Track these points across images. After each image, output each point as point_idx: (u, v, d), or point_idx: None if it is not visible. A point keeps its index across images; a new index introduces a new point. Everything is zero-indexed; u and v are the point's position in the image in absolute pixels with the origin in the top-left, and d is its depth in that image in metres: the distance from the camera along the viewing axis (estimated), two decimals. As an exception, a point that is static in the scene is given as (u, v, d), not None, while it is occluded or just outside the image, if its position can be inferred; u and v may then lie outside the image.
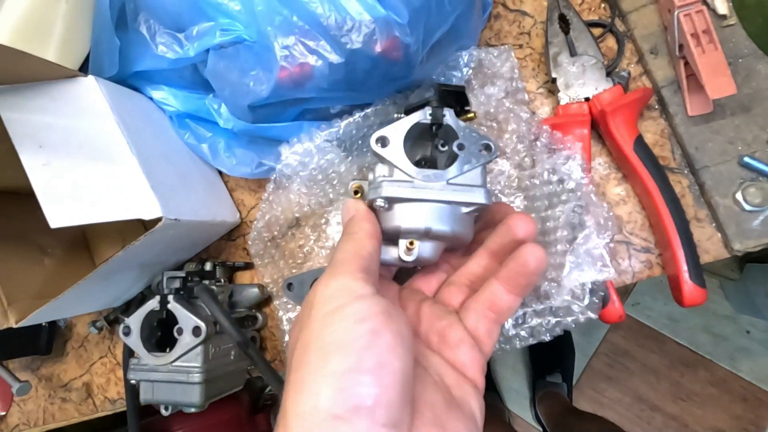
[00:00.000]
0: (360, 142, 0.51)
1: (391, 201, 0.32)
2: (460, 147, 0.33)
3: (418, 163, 0.34)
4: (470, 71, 0.46)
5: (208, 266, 0.53)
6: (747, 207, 0.39)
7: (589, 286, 0.37)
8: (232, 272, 0.58)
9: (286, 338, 0.53)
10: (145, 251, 0.46)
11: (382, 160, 0.34)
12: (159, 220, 0.40)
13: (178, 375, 0.45)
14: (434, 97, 0.36)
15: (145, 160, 0.42)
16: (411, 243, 0.32)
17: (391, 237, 0.33)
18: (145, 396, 0.46)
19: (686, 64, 0.40)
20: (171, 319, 0.45)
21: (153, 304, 0.46)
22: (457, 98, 0.38)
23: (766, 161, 0.39)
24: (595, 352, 1.28)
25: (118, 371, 0.63)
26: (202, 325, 0.44)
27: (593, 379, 1.27)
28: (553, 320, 0.37)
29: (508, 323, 0.40)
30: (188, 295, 0.48)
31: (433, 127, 0.35)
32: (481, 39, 0.50)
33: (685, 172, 0.43)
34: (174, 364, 0.45)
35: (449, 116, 0.35)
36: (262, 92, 0.42)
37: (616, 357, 1.27)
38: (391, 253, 0.34)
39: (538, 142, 0.44)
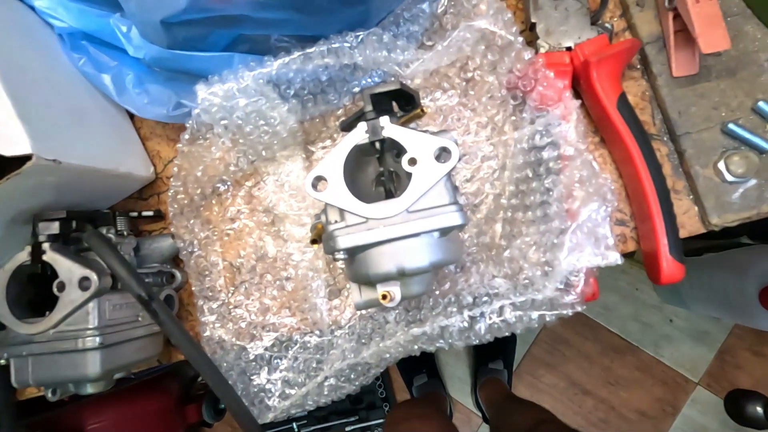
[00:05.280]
0: (299, 86, 0.42)
1: (352, 251, 0.28)
2: (412, 162, 0.28)
3: (377, 184, 0.30)
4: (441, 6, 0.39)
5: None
6: (729, 177, 0.36)
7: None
8: (137, 224, 0.47)
9: (206, 332, 0.44)
10: (10, 204, 0.35)
11: (328, 205, 0.29)
12: (28, 159, 0.31)
13: (64, 343, 0.35)
14: (367, 107, 0.30)
15: (14, 81, 0.33)
16: (387, 292, 0.28)
17: (369, 282, 0.29)
18: (19, 377, 0.36)
19: (675, 17, 0.36)
20: (48, 275, 0.35)
21: (21, 256, 0.35)
22: (398, 98, 0.32)
23: (751, 129, 0.37)
24: (536, 339, 1.30)
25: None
26: (92, 274, 0.34)
27: (532, 365, 1.29)
28: (535, 315, 0.32)
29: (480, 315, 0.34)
30: (73, 246, 0.37)
31: (376, 144, 0.29)
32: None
33: (665, 139, 0.39)
34: (56, 330, 0.35)
35: (388, 126, 0.29)
36: (179, 1, 0.33)
37: (555, 344, 1.29)
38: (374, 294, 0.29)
39: (511, 102, 0.39)
